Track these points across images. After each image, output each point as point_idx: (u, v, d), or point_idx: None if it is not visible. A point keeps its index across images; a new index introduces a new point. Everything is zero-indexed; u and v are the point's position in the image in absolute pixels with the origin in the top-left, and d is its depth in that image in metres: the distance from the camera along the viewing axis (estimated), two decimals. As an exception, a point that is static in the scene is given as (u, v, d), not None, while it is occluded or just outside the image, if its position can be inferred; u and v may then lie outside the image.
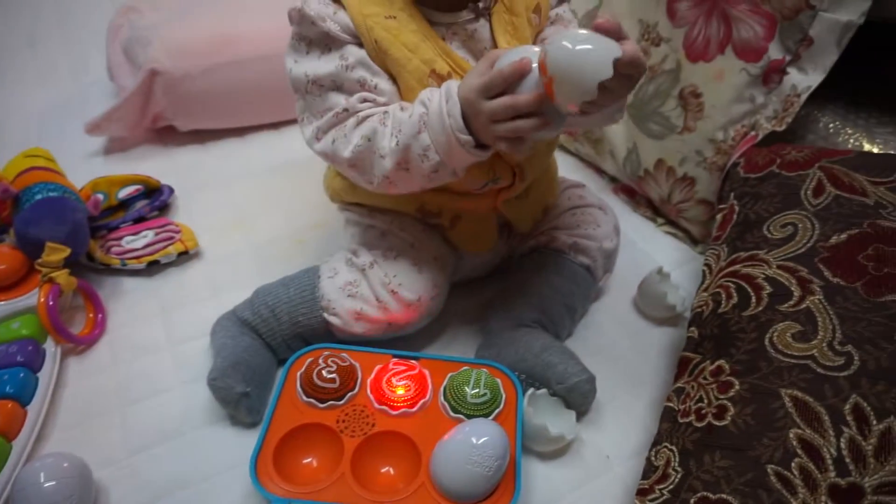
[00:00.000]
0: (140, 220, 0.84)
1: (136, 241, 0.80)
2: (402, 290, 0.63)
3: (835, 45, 0.70)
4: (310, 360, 0.62)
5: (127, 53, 1.05)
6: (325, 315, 0.64)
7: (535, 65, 0.50)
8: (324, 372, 0.60)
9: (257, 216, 0.89)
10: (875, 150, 0.76)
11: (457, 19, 0.59)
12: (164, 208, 0.88)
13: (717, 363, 0.56)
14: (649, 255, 0.84)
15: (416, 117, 0.54)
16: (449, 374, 0.62)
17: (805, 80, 0.72)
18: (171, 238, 0.81)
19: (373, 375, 0.62)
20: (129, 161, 0.99)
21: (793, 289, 0.55)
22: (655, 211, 0.90)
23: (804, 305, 0.54)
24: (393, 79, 0.58)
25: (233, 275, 0.80)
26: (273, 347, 0.67)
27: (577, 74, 0.47)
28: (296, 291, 0.65)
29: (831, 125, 0.80)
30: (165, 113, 0.98)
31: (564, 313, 0.69)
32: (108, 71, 1.09)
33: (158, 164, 0.97)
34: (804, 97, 0.72)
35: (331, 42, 0.57)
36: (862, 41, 0.69)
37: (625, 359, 0.71)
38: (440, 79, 0.57)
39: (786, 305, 0.55)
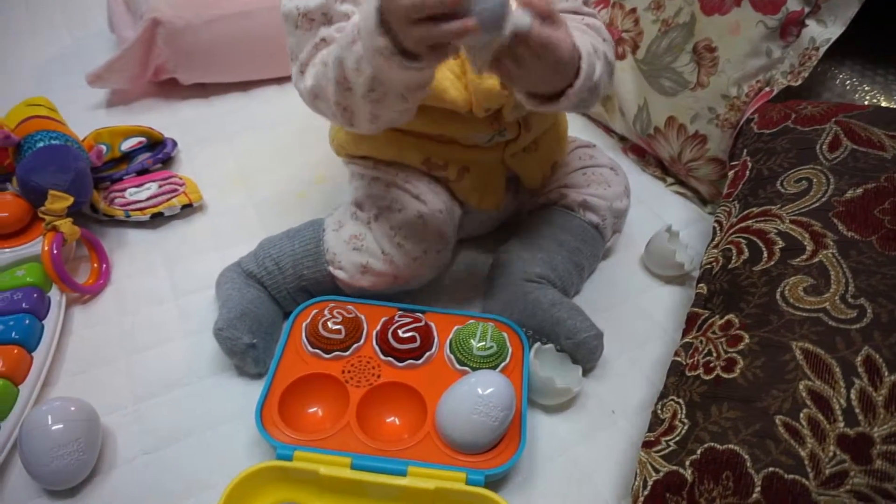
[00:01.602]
0: (143, 172, 0.83)
1: (140, 192, 0.79)
2: (408, 242, 0.62)
3: (856, -3, 0.68)
4: (315, 311, 0.62)
5: (128, 3, 1.03)
6: (331, 268, 0.64)
7: None
8: (329, 323, 0.60)
9: (260, 170, 0.88)
10: (893, 107, 0.75)
11: None
12: (167, 161, 0.86)
13: (726, 317, 0.55)
14: (658, 214, 0.83)
15: (351, 27, 0.50)
16: (455, 327, 0.62)
17: (824, 32, 0.70)
18: (175, 191, 0.80)
19: (379, 327, 0.62)
20: (132, 114, 0.97)
21: (805, 243, 0.55)
22: (665, 171, 0.89)
23: (817, 259, 0.53)
24: None
25: (236, 228, 0.80)
26: (278, 300, 0.66)
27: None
28: (300, 244, 0.65)
29: (848, 82, 0.78)
30: (167, 65, 0.96)
31: (573, 270, 0.69)
32: (109, 21, 1.07)
33: (161, 118, 0.95)
34: (823, 50, 0.70)
35: None
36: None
37: (632, 316, 0.71)
38: None
39: (798, 259, 0.54)
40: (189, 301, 0.71)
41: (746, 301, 0.55)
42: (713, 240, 0.65)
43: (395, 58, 0.45)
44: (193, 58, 0.96)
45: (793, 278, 0.53)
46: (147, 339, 0.67)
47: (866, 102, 0.76)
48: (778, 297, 0.52)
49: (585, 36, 0.55)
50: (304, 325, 0.62)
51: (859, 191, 0.56)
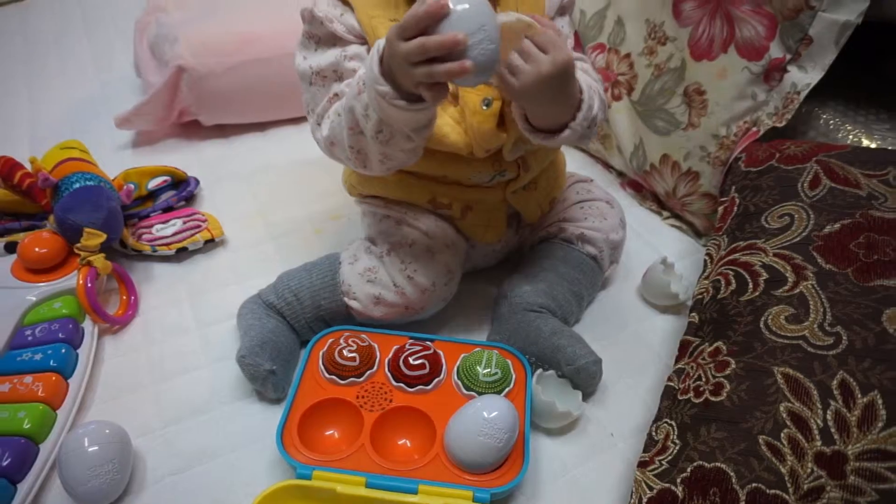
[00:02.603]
0: (168, 209, 0.89)
1: (166, 228, 0.85)
2: (418, 275, 0.67)
3: (833, 45, 0.73)
4: (331, 340, 0.67)
5: (153, 50, 1.10)
6: (346, 299, 0.68)
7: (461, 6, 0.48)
8: (345, 351, 0.64)
9: (278, 207, 0.93)
10: (873, 146, 0.79)
11: None
12: (190, 198, 0.92)
13: (715, 345, 0.59)
14: (654, 246, 0.88)
15: (357, 76, 0.55)
16: (462, 355, 0.66)
17: (805, 77, 0.75)
18: (199, 226, 0.85)
19: (391, 355, 0.66)
20: (157, 154, 1.03)
21: (787, 275, 0.59)
22: (661, 205, 0.94)
23: (798, 290, 0.57)
24: None
25: (256, 262, 0.84)
26: (296, 329, 0.71)
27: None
28: (318, 277, 0.70)
29: (832, 122, 0.83)
30: (191, 108, 1.02)
31: (572, 300, 0.73)
32: (135, 67, 1.14)
33: (184, 157, 1.01)
34: (804, 94, 0.75)
35: (337, 41, 0.61)
36: (863, 41, 0.72)
37: (629, 344, 0.75)
38: None
39: (781, 290, 0.58)
40: (212, 331, 0.75)
41: (734, 329, 0.59)
42: (704, 271, 0.69)
43: (397, 101, 0.51)
44: (215, 101, 1.02)
45: (775, 308, 0.57)
46: (173, 366, 0.71)
47: (849, 141, 0.81)
48: (762, 325, 0.56)
49: (584, 74, 0.60)
50: (321, 353, 0.66)
51: (837, 226, 0.60)
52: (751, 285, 0.61)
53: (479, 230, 0.72)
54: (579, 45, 0.97)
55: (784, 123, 0.76)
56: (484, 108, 0.62)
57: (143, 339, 0.75)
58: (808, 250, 0.60)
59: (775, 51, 0.76)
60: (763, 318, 0.57)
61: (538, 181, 0.73)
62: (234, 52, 1.02)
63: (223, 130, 1.07)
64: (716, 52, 0.80)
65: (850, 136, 0.81)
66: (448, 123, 0.63)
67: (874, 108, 0.82)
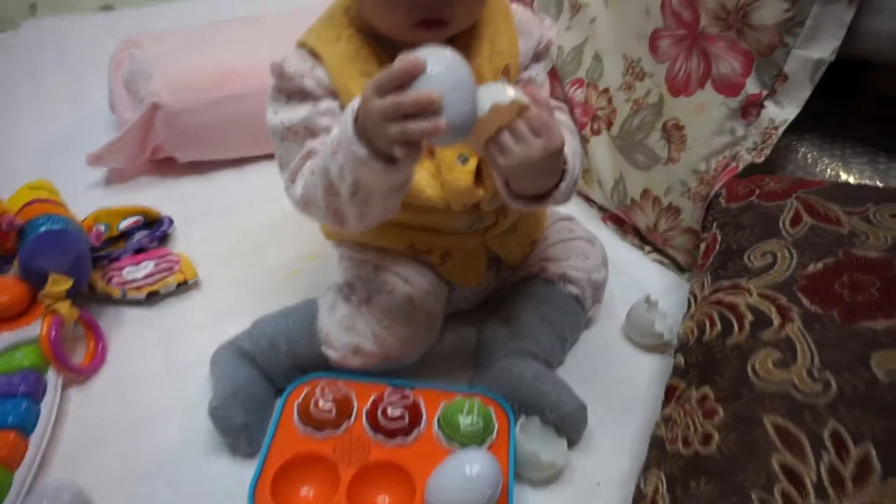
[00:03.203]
0: (141, 250, 0.86)
1: (137, 271, 0.82)
2: (398, 324, 0.65)
3: (808, 81, 0.73)
4: (307, 389, 0.64)
5: (128, 86, 1.08)
6: (324, 348, 0.66)
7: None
8: (320, 402, 0.62)
9: (254, 247, 0.91)
10: (851, 180, 0.79)
11: None
12: (164, 238, 0.90)
13: (702, 390, 0.57)
14: (637, 282, 0.86)
15: (332, 135, 0.53)
16: (443, 403, 0.64)
17: (782, 113, 0.75)
18: (171, 269, 0.82)
19: (368, 405, 0.63)
20: (130, 192, 1.01)
21: (773, 317, 0.58)
22: (643, 239, 0.93)
23: (784, 333, 0.56)
24: None
25: (230, 305, 0.82)
26: (271, 378, 0.68)
27: (488, 91, 0.49)
28: (295, 324, 0.67)
29: (809, 155, 0.83)
30: (165, 145, 1.00)
31: (555, 342, 0.71)
32: (110, 103, 1.12)
33: (158, 195, 0.99)
34: (782, 130, 0.75)
35: (307, 96, 0.60)
36: (838, 75, 0.73)
37: (614, 386, 0.73)
38: None
39: (766, 333, 0.57)
40: (184, 378, 0.72)
41: (720, 374, 0.57)
42: (689, 311, 0.68)
43: (373, 163, 0.49)
44: (190, 138, 1.00)
45: (762, 351, 0.56)
46: (142, 417, 0.68)
47: (827, 175, 0.81)
48: (749, 370, 0.55)
49: (566, 131, 0.59)
50: (295, 403, 0.63)
51: (820, 265, 0.59)
52: (736, 327, 0.59)
53: (460, 275, 0.70)
54: (557, 80, 0.97)
55: (763, 159, 0.76)
56: (460, 164, 0.61)
57: (111, 389, 0.72)
58: (793, 290, 0.59)
59: (752, 87, 0.76)
60: (750, 363, 0.55)
61: (517, 225, 0.71)
62: (210, 89, 1.01)
63: (199, 167, 1.05)
64: (693, 87, 0.80)
65: (829, 170, 0.81)
66: (424, 178, 0.62)
67: (850, 141, 0.83)
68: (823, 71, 0.72)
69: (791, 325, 0.56)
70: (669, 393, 0.62)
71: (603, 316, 0.81)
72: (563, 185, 0.55)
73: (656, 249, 0.91)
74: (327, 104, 0.60)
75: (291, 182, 0.61)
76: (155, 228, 0.89)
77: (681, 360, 0.64)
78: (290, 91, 0.61)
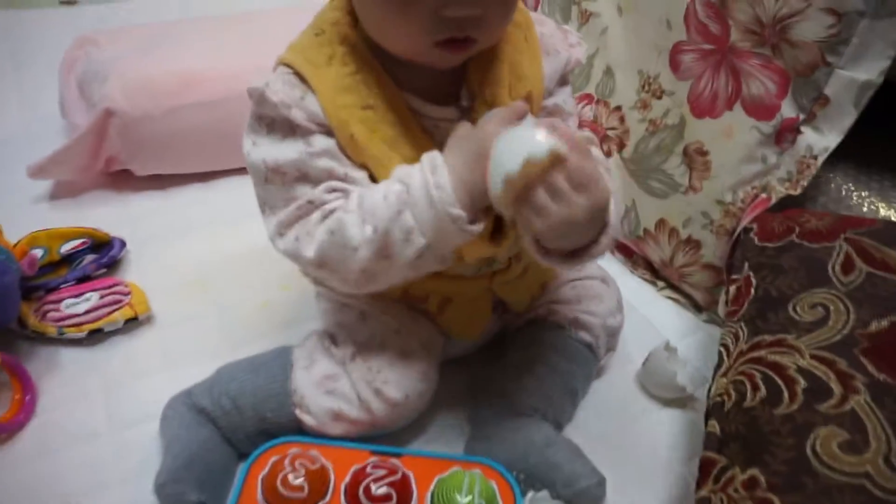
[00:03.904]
0: (85, 279, 0.74)
1: (78, 304, 0.70)
2: (388, 388, 0.55)
3: (852, 105, 0.65)
4: (274, 458, 0.53)
5: (82, 89, 0.96)
6: (298, 412, 0.56)
7: None
8: (290, 477, 0.51)
9: (220, 274, 0.80)
10: (893, 215, 0.71)
11: (442, 115, 0.52)
12: (113, 265, 0.78)
13: (749, 472, 0.48)
14: (650, 322, 0.77)
15: (393, 197, 0.47)
16: (437, 478, 0.54)
17: (821, 140, 0.67)
18: (119, 301, 0.71)
19: (348, 479, 0.53)
20: (79, 208, 0.89)
21: (832, 385, 0.49)
22: (655, 273, 0.84)
23: (848, 407, 0.47)
24: (369, 173, 0.51)
25: (190, 343, 0.71)
26: (233, 441, 0.57)
27: (519, 140, 0.42)
28: (264, 381, 0.57)
29: (844, 187, 0.75)
30: (120, 156, 0.89)
31: (566, 398, 0.62)
32: (61, 107, 1.00)
33: (111, 212, 0.88)
34: (821, 159, 0.67)
35: (295, 129, 0.50)
36: (874, 98, 0.65)
37: (632, 446, 0.64)
38: None
39: (826, 405, 0.48)
40: (128, 436, 0.61)
41: (771, 453, 0.48)
42: (720, 366, 0.59)
43: (468, 226, 0.46)
44: (149, 149, 0.89)
45: (823, 429, 0.47)
46: (75, 485, 0.57)
47: (864, 209, 0.73)
48: (809, 451, 0.46)
49: (604, 173, 0.49)
50: (260, 477, 0.53)
51: (884, 323, 0.51)
52: (786, 394, 0.50)
53: (460, 326, 0.60)
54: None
55: (800, 191, 0.68)
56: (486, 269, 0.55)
57: (39, 449, 0.60)
58: (854, 353, 0.50)
59: (787, 110, 0.67)
60: (809, 443, 0.46)
61: (528, 268, 0.62)
62: (174, 94, 0.89)
63: (159, 181, 0.93)
64: (720, 109, 0.71)
65: (866, 204, 0.73)
66: None
67: (888, 172, 0.75)
68: (870, 95, 0.64)
69: (856, 397, 0.47)
70: (705, 468, 0.53)
71: (615, 362, 0.72)
72: (604, 240, 0.46)
73: (670, 286, 0.82)
74: (322, 142, 0.50)
75: (280, 235, 0.51)
76: (103, 253, 0.78)
77: (716, 427, 0.54)
78: (273, 119, 0.50)
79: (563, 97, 0.58)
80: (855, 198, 0.74)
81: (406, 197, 0.46)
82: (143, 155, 0.90)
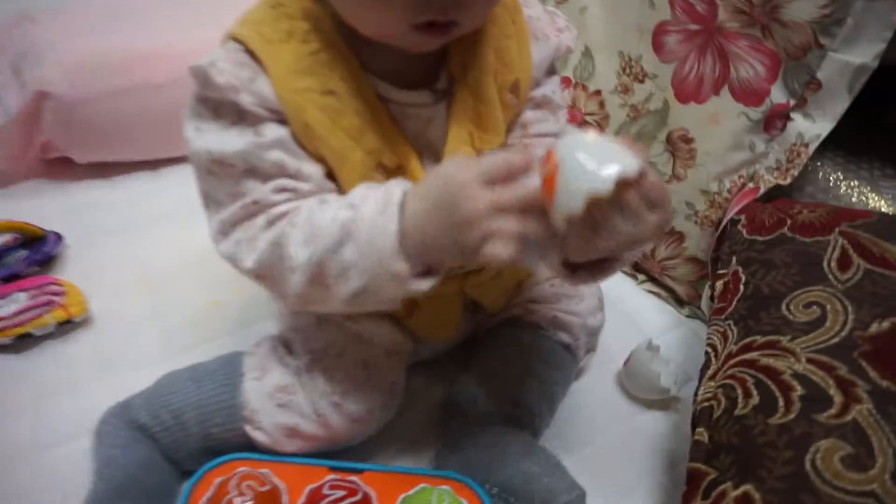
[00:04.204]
0: (13, 277, 0.67)
1: (4, 306, 0.63)
2: (348, 401, 0.49)
3: (846, 91, 0.61)
4: (220, 479, 0.48)
5: (15, 69, 0.88)
6: (248, 428, 0.50)
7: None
8: (236, 501, 0.46)
9: (167, 271, 0.73)
10: (884, 206, 0.68)
11: (414, 100, 0.46)
12: (46, 262, 0.71)
13: (742, 489, 0.44)
14: (631, 317, 0.74)
15: (337, 224, 0.41)
16: (401, 496, 0.49)
17: (813, 128, 0.63)
18: (51, 302, 0.64)
19: (302, 500, 0.48)
20: (14, 198, 0.81)
21: (831, 392, 0.45)
22: (635, 266, 0.80)
23: (850, 417, 0.43)
24: (327, 168, 0.45)
25: (131, 348, 0.65)
26: (175, 460, 0.51)
27: (580, 171, 0.36)
28: (210, 393, 0.51)
29: (832, 176, 0.71)
30: (58, 142, 0.81)
31: (543, 403, 0.57)
32: (-7, 89, 0.92)
33: (48, 204, 0.80)
34: (812, 147, 0.63)
35: (244, 115, 0.44)
36: (864, 85, 0.61)
37: (612, 454, 0.60)
38: (388, 174, 0.45)
39: (825, 415, 0.44)
40: (56, 456, 0.55)
41: (766, 468, 0.44)
42: (707, 368, 0.55)
43: (417, 284, 0.40)
44: (90, 134, 0.81)
45: (823, 442, 0.43)
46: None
47: (854, 199, 0.69)
48: (808, 467, 0.42)
49: None
50: (204, 499, 0.47)
51: (885, 324, 0.47)
52: (781, 402, 0.46)
53: (429, 329, 0.55)
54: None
55: (790, 181, 0.64)
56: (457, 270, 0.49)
57: (-46, 473, 0.53)
58: (853, 357, 0.46)
59: (777, 95, 0.64)
60: (808, 457, 0.42)
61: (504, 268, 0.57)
62: (118, 74, 0.82)
63: (102, 169, 0.86)
64: (706, 93, 0.67)
65: (856, 194, 0.70)
66: None
67: (878, 161, 0.72)
68: (865, 80, 0.60)
69: (859, 406, 0.43)
70: (693, 480, 0.48)
71: (593, 361, 0.67)
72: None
73: (651, 279, 0.78)
74: (273, 132, 0.44)
75: (223, 235, 0.46)
76: (36, 248, 0.70)
77: (703, 435, 0.50)
78: (217, 102, 0.44)
79: (552, 87, 0.53)
80: (843, 187, 0.70)
81: (352, 227, 0.41)
82: (85, 141, 0.82)
